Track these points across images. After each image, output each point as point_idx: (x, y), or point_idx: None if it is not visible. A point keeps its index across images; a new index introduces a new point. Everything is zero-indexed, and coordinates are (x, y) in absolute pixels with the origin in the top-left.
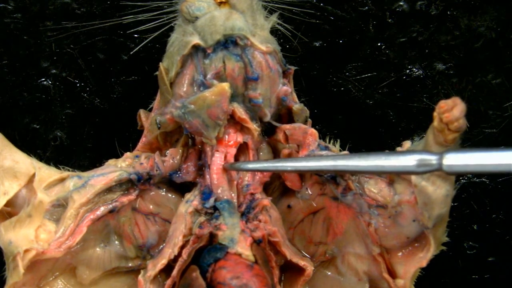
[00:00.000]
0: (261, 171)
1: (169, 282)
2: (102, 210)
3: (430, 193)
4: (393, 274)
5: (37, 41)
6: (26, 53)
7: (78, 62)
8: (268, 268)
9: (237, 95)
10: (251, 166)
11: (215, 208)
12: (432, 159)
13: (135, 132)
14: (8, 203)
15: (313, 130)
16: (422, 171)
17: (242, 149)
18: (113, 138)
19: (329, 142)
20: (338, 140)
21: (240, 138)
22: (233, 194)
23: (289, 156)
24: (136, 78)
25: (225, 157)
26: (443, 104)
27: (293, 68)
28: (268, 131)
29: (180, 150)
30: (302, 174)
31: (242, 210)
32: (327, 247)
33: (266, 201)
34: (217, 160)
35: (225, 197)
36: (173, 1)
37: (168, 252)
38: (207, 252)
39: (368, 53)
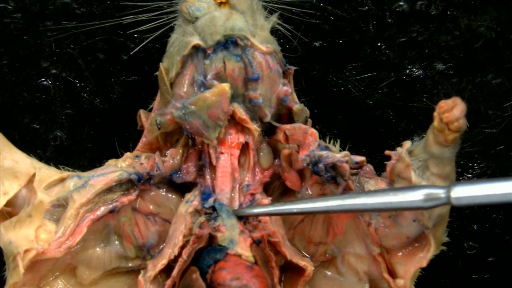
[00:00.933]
0: (268, 215)
1: (169, 282)
2: (102, 210)
3: None
4: (393, 274)
5: (37, 41)
6: (26, 53)
7: (78, 62)
8: (268, 269)
9: (237, 96)
10: (256, 211)
11: (213, 208)
12: (440, 192)
13: (135, 132)
14: (8, 203)
15: (313, 130)
16: (429, 206)
17: (242, 149)
18: (113, 138)
19: (329, 142)
20: (338, 140)
21: (242, 139)
22: (234, 195)
23: (289, 156)
24: (136, 78)
25: (230, 158)
26: (443, 104)
27: (293, 68)
28: (268, 131)
29: (180, 151)
30: (302, 174)
31: None
32: (327, 247)
33: (266, 201)
34: (224, 163)
35: (225, 200)
36: (173, 1)
37: (168, 252)
38: (206, 254)
39: (368, 53)
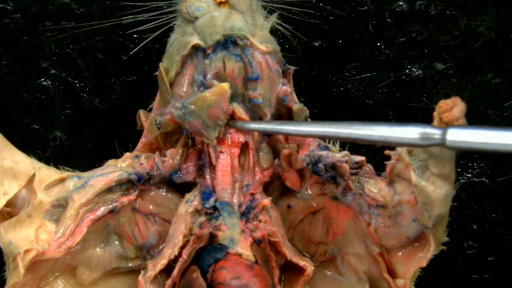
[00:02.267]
0: (263, 131)
1: (169, 282)
2: (102, 210)
3: (430, 193)
4: (393, 274)
5: (36, 41)
6: (25, 53)
7: (78, 62)
8: (268, 268)
9: (237, 95)
10: (253, 126)
11: (215, 208)
12: (436, 133)
13: (135, 132)
14: (8, 204)
15: None
16: (425, 144)
17: (242, 149)
18: (113, 138)
19: (329, 142)
20: (338, 140)
21: (242, 138)
22: (235, 195)
23: (289, 156)
24: (135, 78)
25: (230, 157)
26: (443, 104)
27: (292, 68)
28: None
29: (180, 150)
30: (301, 174)
31: (242, 210)
32: (327, 247)
33: (266, 201)
34: (223, 161)
35: (225, 198)
36: (173, 1)
37: (168, 252)
38: (207, 253)
39: (368, 53)
